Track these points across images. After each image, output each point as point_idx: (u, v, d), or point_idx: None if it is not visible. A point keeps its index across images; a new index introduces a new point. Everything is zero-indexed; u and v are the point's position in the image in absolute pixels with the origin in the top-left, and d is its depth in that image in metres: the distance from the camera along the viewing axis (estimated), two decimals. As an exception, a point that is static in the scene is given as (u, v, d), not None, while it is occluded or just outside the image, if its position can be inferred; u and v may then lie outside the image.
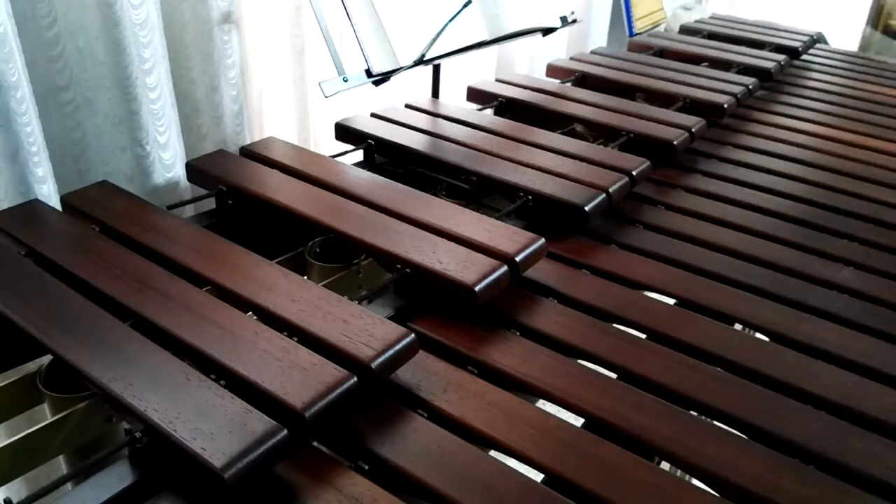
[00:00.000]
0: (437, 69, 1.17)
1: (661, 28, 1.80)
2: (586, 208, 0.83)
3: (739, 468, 0.54)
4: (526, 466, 0.53)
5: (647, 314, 0.72)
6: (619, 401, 0.60)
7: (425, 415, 0.57)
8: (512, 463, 0.53)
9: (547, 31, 1.23)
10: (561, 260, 0.80)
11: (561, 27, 1.26)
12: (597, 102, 1.16)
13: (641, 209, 0.93)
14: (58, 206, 0.79)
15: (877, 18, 3.04)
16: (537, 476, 0.53)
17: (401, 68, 0.97)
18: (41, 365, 0.60)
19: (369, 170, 0.92)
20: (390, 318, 0.62)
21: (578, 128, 1.10)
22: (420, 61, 0.99)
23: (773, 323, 0.72)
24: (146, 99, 0.87)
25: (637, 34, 1.64)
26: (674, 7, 1.87)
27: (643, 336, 0.70)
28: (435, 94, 1.19)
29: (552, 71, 1.38)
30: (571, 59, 1.42)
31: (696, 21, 1.80)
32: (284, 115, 1.15)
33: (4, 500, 0.49)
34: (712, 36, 1.67)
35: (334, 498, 0.48)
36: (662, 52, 1.52)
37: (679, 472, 0.56)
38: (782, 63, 1.46)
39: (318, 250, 0.77)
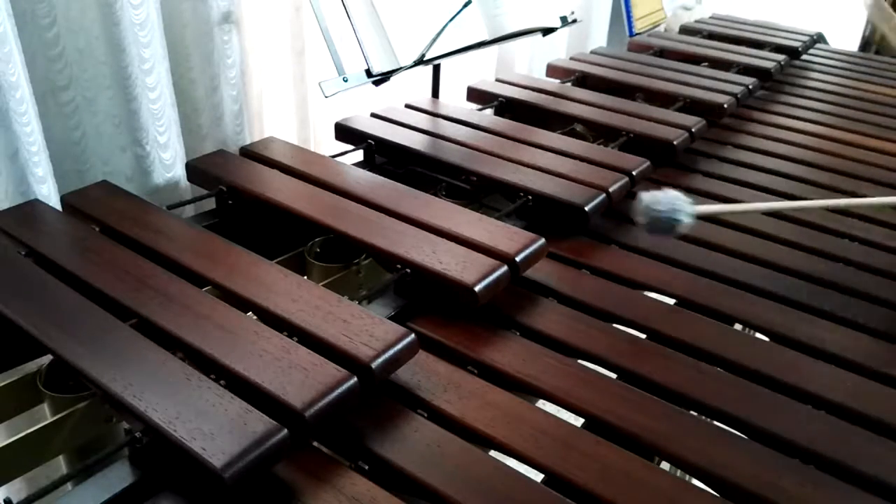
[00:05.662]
0: (437, 69, 1.17)
1: (661, 28, 1.80)
2: (586, 208, 0.83)
3: (739, 468, 0.54)
4: (526, 466, 0.53)
5: (647, 314, 0.72)
6: (619, 401, 0.60)
7: (425, 415, 0.57)
8: (512, 463, 0.53)
9: (547, 31, 1.23)
10: (561, 260, 0.80)
11: (561, 27, 1.26)
12: (597, 102, 1.16)
13: (641, 209, 0.93)
14: (58, 206, 0.79)
15: (877, 18, 3.04)
16: (537, 476, 0.53)
17: (401, 68, 0.97)
18: (41, 365, 0.60)
19: (369, 170, 0.92)
20: (390, 318, 0.62)
21: (578, 128, 1.10)
22: (420, 61, 0.99)
23: (773, 323, 0.72)
24: (146, 99, 0.87)
25: (637, 34, 1.64)
26: (674, 7, 1.87)
27: (643, 336, 0.70)
28: (435, 94, 1.19)
29: (552, 71, 1.38)
30: (571, 59, 1.42)
31: (696, 21, 1.80)
32: (284, 116, 1.15)
33: (4, 500, 0.49)
34: (712, 36, 1.67)
35: (334, 498, 0.48)
36: (662, 52, 1.52)
37: (679, 472, 0.56)
38: (782, 63, 1.46)
39: (318, 250, 0.77)
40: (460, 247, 0.71)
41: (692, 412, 0.60)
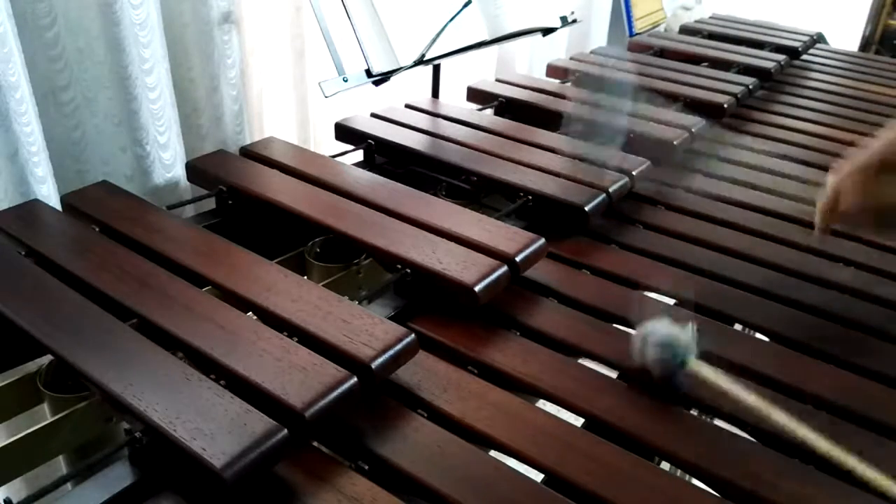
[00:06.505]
0: (437, 69, 1.17)
1: (661, 28, 1.80)
2: (586, 208, 0.83)
3: (739, 468, 0.54)
4: (526, 466, 0.53)
5: (648, 314, 0.71)
6: (619, 401, 0.60)
7: (425, 415, 0.57)
8: (512, 463, 0.53)
9: (547, 31, 1.23)
10: (561, 260, 0.80)
11: (561, 27, 1.26)
12: (597, 102, 1.16)
13: (641, 209, 0.93)
14: (58, 206, 0.79)
15: (877, 18, 3.04)
16: (537, 476, 0.53)
17: (401, 68, 0.97)
18: (41, 365, 0.60)
19: (369, 170, 0.92)
20: (390, 318, 0.62)
21: (578, 128, 1.10)
22: (420, 61, 0.99)
23: (774, 323, 0.72)
24: (146, 99, 0.87)
25: (637, 34, 1.64)
26: (674, 7, 1.87)
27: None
28: (435, 94, 1.20)
29: (552, 71, 1.38)
30: (571, 59, 1.42)
31: (696, 21, 1.80)
32: (284, 116, 1.15)
33: (4, 500, 0.49)
34: (712, 36, 1.67)
35: (334, 498, 0.48)
36: (662, 52, 1.52)
37: (679, 472, 0.56)
38: (782, 63, 1.46)
39: (318, 250, 0.77)
40: (460, 247, 0.71)
41: (692, 412, 0.60)
